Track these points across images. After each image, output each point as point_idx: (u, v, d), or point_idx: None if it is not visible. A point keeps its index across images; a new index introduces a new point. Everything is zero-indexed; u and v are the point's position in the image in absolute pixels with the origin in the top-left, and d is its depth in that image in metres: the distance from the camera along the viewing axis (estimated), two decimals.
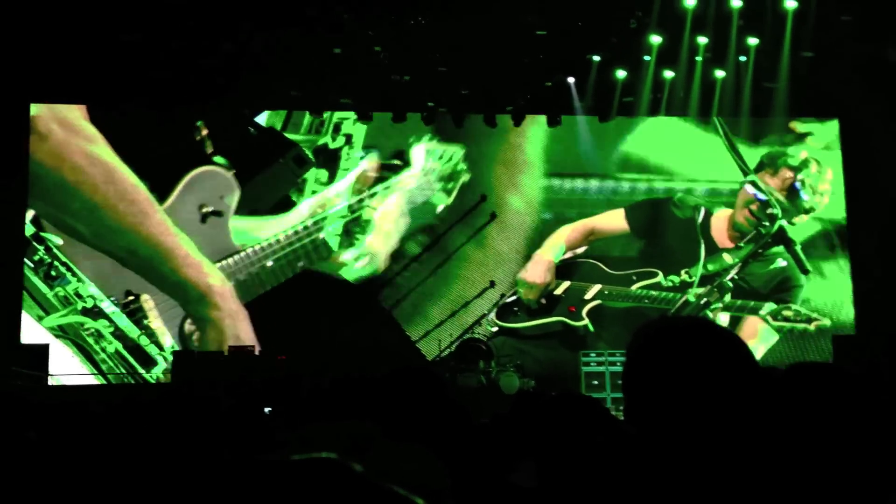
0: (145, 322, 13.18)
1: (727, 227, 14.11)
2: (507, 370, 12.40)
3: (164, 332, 13.21)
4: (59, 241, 13.07)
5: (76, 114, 13.39)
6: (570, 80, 13.86)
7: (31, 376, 11.04)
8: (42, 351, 11.97)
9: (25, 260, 13.01)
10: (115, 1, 11.49)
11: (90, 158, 13.23)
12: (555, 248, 14.26)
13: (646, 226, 14.38)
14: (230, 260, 13.51)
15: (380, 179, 14.09)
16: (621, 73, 13.70)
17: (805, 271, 13.77)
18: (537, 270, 14.13)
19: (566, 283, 14.19)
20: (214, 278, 13.36)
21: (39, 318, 12.83)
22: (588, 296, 14.07)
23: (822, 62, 13.04)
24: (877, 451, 2.06)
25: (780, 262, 13.92)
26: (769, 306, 13.56)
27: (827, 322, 13.78)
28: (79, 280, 13.04)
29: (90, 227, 13.14)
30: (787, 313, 13.50)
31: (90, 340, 12.91)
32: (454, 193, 14.22)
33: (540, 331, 14.05)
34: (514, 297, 14.15)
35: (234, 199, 13.69)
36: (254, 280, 13.54)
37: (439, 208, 14.21)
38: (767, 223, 13.72)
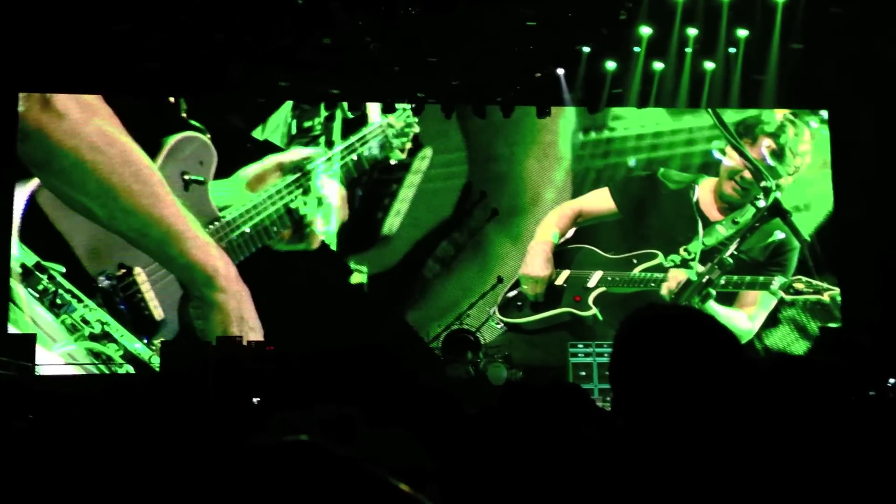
0: (139, 295, 13.18)
1: (714, 199, 14.06)
2: (495, 361, 12.39)
3: (156, 304, 13.23)
4: (62, 269, 13.01)
5: (94, 95, 13.38)
6: (560, 71, 13.85)
7: (17, 366, 11.01)
8: (28, 340, 11.93)
9: (29, 290, 12.92)
10: None
11: (107, 139, 13.20)
12: (548, 237, 14.09)
13: (633, 204, 14.22)
14: (210, 227, 13.53)
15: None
16: (611, 65, 13.71)
17: (803, 242, 13.77)
18: (537, 263, 13.95)
19: (566, 273, 14.01)
20: (221, 260, 13.40)
21: (49, 347, 12.73)
22: (591, 283, 13.88)
23: (811, 54, 13.07)
24: (861, 446, 2.07)
25: (779, 235, 13.85)
26: (779, 280, 13.51)
27: (838, 291, 13.72)
28: (85, 306, 12.99)
29: (105, 207, 13.12)
30: (798, 286, 13.40)
31: (101, 365, 12.87)
32: (406, 149, 14.23)
33: (547, 324, 13.86)
34: (515, 292, 13.95)
35: (213, 165, 13.68)
36: (233, 247, 13.56)
37: (393, 162, 14.22)
38: (761, 195, 13.69)
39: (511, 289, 13.97)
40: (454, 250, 14.14)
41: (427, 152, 14.30)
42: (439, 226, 14.20)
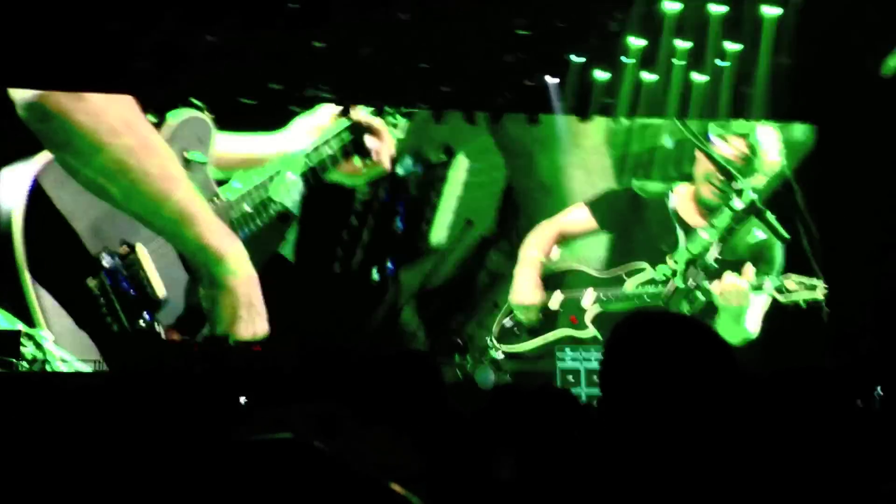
0: (141, 273, 13.15)
1: (694, 204, 13.73)
2: (483, 364, 12.38)
3: (158, 282, 13.20)
4: (51, 337, 12.67)
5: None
6: (551, 79, 13.88)
7: (1, 362, 10.97)
8: (13, 337, 11.87)
9: (13, 360, 12.43)
10: None
11: (126, 123, 13.18)
12: (533, 261, 13.74)
13: (614, 219, 13.92)
14: (210, 206, 13.49)
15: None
16: (600, 75, 13.74)
17: (783, 239, 13.54)
18: (526, 289, 13.58)
19: (558, 295, 13.70)
20: (233, 244, 13.36)
21: None
22: (585, 303, 13.52)
23: (801, 68, 13.13)
24: (855, 455, 2.08)
25: (759, 235, 13.67)
26: (774, 280, 13.22)
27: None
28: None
29: (121, 189, 13.03)
30: (789, 285, 12.75)
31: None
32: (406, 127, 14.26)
33: (547, 349, 13.46)
34: (509, 320, 13.67)
35: (212, 143, 13.65)
36: (233, 227, 13.53)
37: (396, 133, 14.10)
38: (735, 197, 13.48)
39: (505, 316, 13.74)
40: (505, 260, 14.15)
41: (461, 160, 14.28)
42: (484, 235, 14.17)
